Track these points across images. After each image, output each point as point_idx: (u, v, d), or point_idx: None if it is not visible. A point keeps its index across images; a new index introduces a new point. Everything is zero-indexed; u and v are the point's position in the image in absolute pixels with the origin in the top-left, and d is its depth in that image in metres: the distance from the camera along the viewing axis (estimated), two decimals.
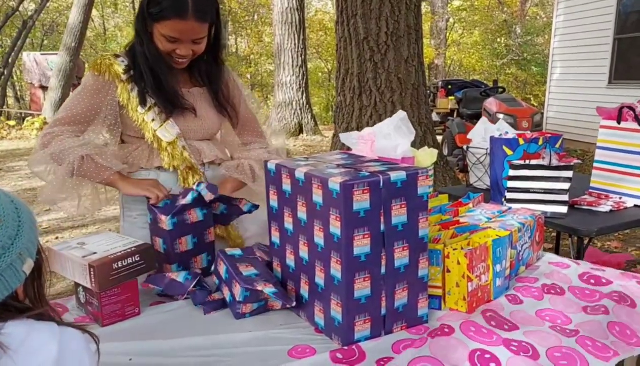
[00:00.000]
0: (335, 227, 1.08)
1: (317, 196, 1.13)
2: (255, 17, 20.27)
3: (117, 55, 1.60)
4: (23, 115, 13.50)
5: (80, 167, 1.48)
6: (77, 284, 1.29)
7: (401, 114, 1.77)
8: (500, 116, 6.05)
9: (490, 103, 6.26)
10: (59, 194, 1.54)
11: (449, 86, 8.55)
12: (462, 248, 1.26)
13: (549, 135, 2.14)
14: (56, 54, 13.04)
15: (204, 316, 1.28)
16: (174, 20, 1.45)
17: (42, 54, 14.18)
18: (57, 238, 4.69)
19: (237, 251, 1.39)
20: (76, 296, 1.33)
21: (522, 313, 1.25)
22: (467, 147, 2.54)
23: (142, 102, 1.56)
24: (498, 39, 18.69)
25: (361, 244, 1.09)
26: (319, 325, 1.19)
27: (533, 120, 5.92)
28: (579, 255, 2.04)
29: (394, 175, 1.10)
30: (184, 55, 1.53)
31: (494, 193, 2.20)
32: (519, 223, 1.46)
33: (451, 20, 19.60)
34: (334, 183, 1.07)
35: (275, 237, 1.33)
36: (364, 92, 4.59)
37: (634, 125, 2.15)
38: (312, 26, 17.75)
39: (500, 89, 7.20)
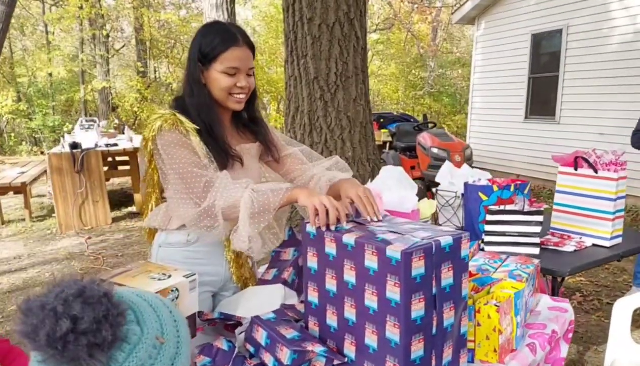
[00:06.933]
0: (393, 292, 1.14)
1: (371, 262, 1.18)
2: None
3: (174, 114, 1.53)
4: None
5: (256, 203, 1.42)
6: None
7: (398, 169, 1.86)
8: (435, 150, 6.40)
9: (424, 138, 6.60)
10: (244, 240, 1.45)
11: (381, 120, 8.91)
12: (487, 302, 1.36)
13: (519, 182, 2.34)
14: None
15: None
16: (232, 49, 1.52)
17: None
18: None
19: (270, 315, 1.40)
20: None
21: None
22: (437, 190, 2.69)
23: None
24: (414, 71, 19.70)
25: (417, 308, 1.15)
26: None
27: (465, 154, 6.30)
28: (553, 291, 2.23)
29: (443, 240, 1.18)
30: (244, 86, 1.56)
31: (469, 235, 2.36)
32: (524, 272, 1.59)
33: (370, 52, 20.41)
34: (394, 251, 1.13)
35: (313, 297, 1.36)
36: (315, 129, 4.70)
37: (590, 171, 2.40)
38: None
39: (431, 125, 7.60)
